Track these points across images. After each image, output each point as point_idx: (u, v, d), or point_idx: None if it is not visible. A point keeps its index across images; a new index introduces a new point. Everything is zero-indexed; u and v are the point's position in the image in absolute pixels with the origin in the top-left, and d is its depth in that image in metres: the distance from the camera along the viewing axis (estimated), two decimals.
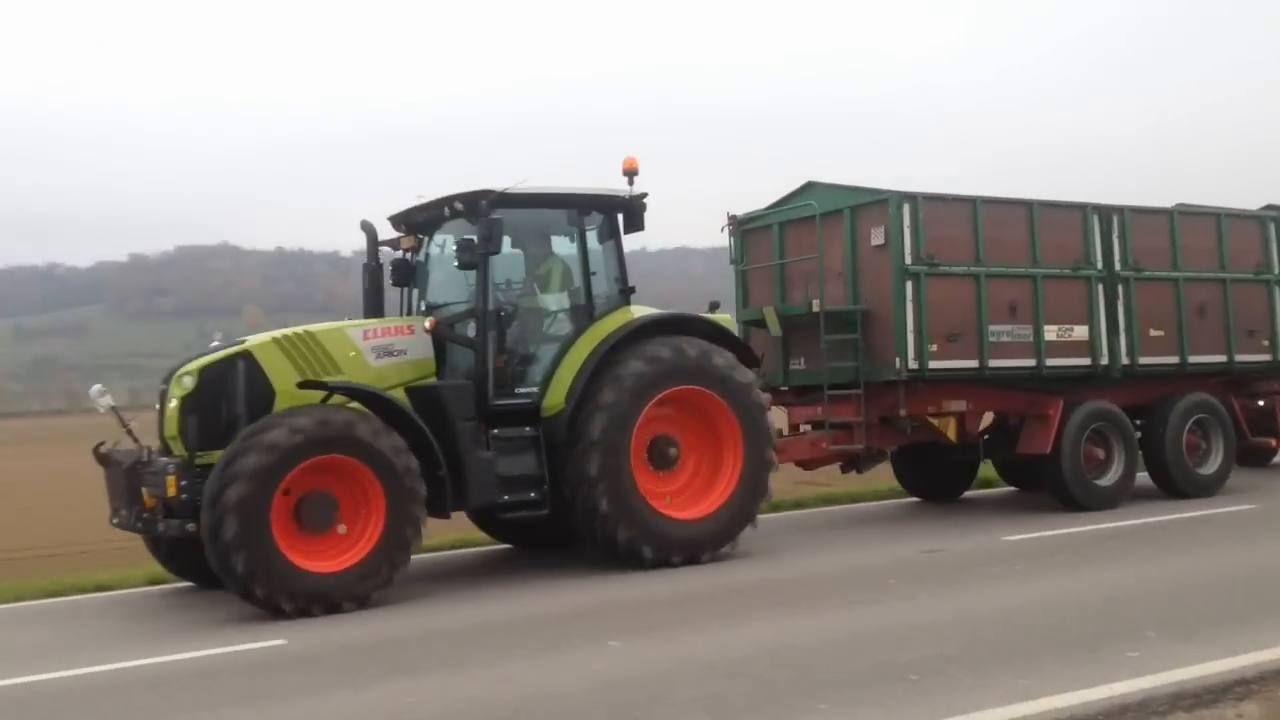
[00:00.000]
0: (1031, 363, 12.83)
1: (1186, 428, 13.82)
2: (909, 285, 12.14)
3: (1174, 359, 13.80)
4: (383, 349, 9.89)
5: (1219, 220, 14.37)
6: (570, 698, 6.25)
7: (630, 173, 10.80)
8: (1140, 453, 13.79)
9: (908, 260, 12.15)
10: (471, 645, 7.70)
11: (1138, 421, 13.69)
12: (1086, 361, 13.21)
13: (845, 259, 12.77)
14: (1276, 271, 14.70)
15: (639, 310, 10.86)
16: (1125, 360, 13.44)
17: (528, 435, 10.14)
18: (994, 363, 12.56)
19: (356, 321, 10.33)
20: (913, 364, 12.12)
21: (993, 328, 12.55)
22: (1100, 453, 13.20)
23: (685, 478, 10.81)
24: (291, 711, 6.36)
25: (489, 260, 10.10)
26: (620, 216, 10.94)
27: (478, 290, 10.19)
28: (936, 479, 14.64)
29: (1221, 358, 14.17)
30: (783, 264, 13.41)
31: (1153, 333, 13.66)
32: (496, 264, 10.35)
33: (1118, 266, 13.48)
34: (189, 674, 7.31)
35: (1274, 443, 15.12)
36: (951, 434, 12.86)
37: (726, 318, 11.45)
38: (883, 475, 14.82)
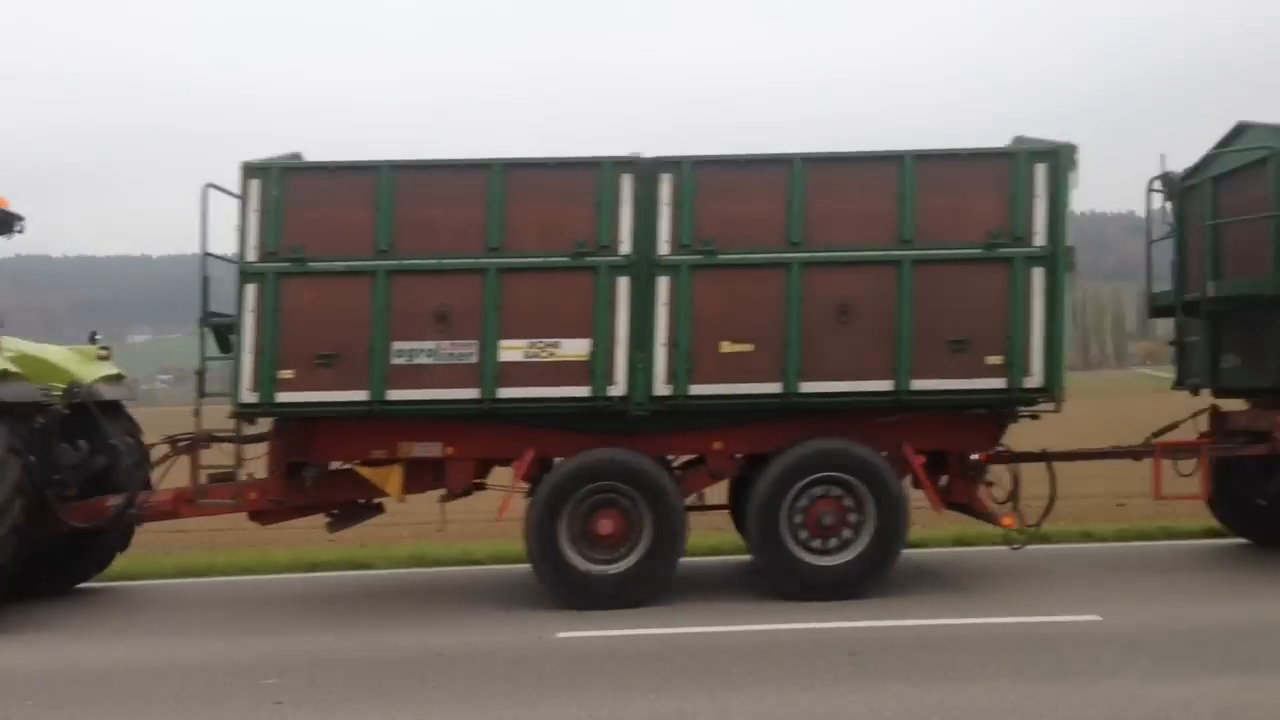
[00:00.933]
0: (473, 393, 9.01)
1: (793, 494, 9.09)
2: (251, 291, 8.97)
3: (771, 387, 9.04)
4: None
5: (903, 166, 9.10)
6: None
7: None
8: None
9: (251, 255, 9.00)
10: None
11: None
12: (584, 391, 9.04)
13: None
14: (1038, 242, 9.08)
15: None
16: (664, 389, 9.04)
17: None
18: (397, 394, 8.97)
19: None
20: (248, 397, 8.98)
21: (399, 345, 8.96)
22: (609, 525, 9.07)
23: None
24: (1112, 691, 6.23)
25: None
26: None
27: None
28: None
29: (883, 385, 9.06)
30: None
31: (727, 347, 9.05)
32: None
33: (664, 249, 9.06)
34: (1004, 637, 7.57)
35: (1008, 519, 9.43)
36: (395, 489, 9.44)
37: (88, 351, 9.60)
38: None
